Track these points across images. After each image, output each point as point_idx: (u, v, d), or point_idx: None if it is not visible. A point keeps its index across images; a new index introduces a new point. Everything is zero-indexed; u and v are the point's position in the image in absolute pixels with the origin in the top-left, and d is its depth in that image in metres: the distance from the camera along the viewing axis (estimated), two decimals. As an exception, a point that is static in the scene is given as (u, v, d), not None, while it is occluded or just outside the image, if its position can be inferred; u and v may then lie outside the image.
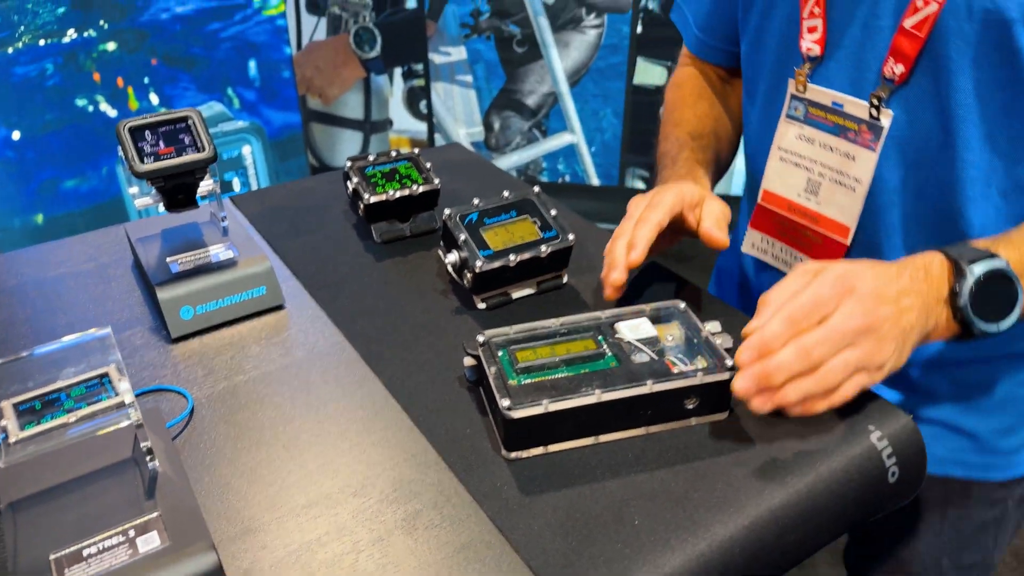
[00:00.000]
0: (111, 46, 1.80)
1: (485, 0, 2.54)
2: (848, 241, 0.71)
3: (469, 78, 2.74)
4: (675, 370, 0.55)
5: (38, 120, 1.76)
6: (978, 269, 0.56)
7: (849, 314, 0.52)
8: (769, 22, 0.75)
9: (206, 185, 0.69)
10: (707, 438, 0.54)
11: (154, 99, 1.90)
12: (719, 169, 0.85)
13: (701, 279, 0.80)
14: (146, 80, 1.86)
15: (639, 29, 2.48)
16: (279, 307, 0.69)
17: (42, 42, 1.72)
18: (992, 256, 0.56)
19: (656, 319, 0.59)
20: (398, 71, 2.74)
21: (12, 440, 0.48)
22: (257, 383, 0.60)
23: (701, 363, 0.55)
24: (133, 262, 0.75)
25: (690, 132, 0.84)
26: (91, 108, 1.81)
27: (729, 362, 0.54)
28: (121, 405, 0.48)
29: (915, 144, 0.66)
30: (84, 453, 0.49)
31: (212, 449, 0.54)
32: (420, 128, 2.83)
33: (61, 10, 1.72)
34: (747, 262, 0.86)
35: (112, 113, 1.84)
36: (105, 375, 0.52)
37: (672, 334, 0.58)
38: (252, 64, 2.02)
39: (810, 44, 0.71)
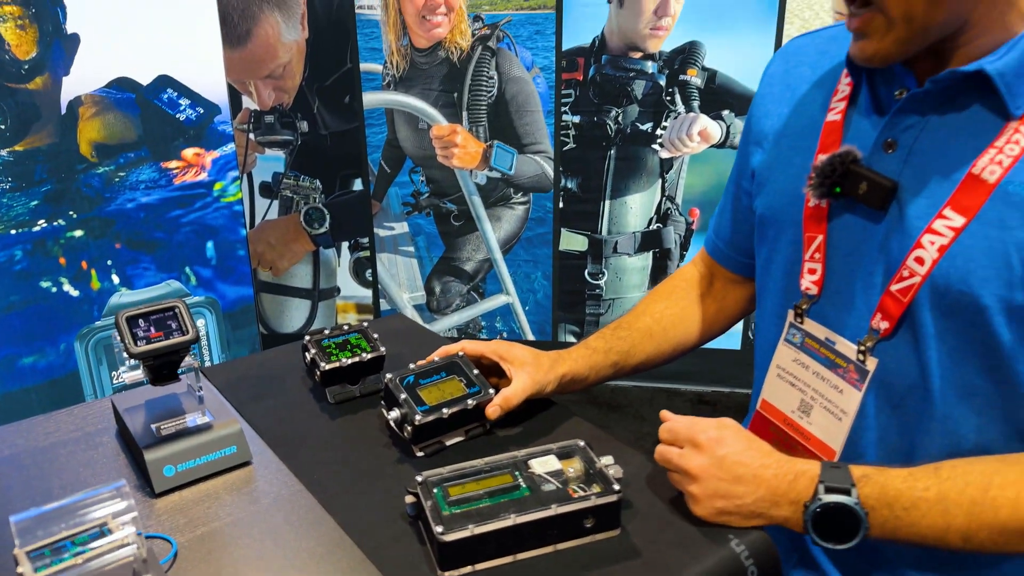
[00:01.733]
0: (78, 233, 1.96)
1: (424, 183, 2.82)
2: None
3: (411, 248, 2.97)
4: (575, 496, 0.68)
5: (2, 302, 1.87)
6: (825, 499, 0.67)
7: (684, 455, 0.73)
8: (777, 254, 0.85)
9: (186, 361, 0.82)
10: (602, 552, 0.67)
11: (115, 279, 2.04)
12: (636, 355, 0.96)
13: (631, 426, 0.93)
14: (109, 262, 2.01)
15: (561, 204, 2.78)
16: (247, 463, 0.81)
17: (13, 231, 1.87)
18: (847, 491, 0.66)
19: (561, 455, 0.74)
20: (345, 244, 2.95)
21: (29, 582, 0.58)
22: (231, 528, 0.71)
23: (596, 489, 0.69)
24: (117, 430, 0.86)
25: (621, 322, 0.99)
26: (54, 289, 1.94)
27: (617, 487, 0.68)
28: (123, 545, 0.59)
29: (898, 391, 0.74)
30: (90, 589, 0.59)
31: (194, 584, 0.64)
32: (365, 294, 3.01)
33: (34, 203, 1.88)
34: None
35: (74, 293, 1.97)
36: (104, 524, 0.63)
37: (574, 467, 0.72)
38: (209, 245, 2.20)
39: (809, 284, 0.80)
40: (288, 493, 0.76)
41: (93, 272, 1.99)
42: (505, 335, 2.99)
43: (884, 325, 0.73)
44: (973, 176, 0.66)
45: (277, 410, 0.91)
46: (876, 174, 0.71)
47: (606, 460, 0.73)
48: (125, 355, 0.78)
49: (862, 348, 0.75)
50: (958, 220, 0.66)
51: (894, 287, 0.71)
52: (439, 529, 0.64)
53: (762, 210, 0.86)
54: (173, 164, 2.09)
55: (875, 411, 0.76)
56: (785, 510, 0.69)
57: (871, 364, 0.74)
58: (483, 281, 2.97)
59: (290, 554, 0.68)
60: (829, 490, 0.67)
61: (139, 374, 0.81)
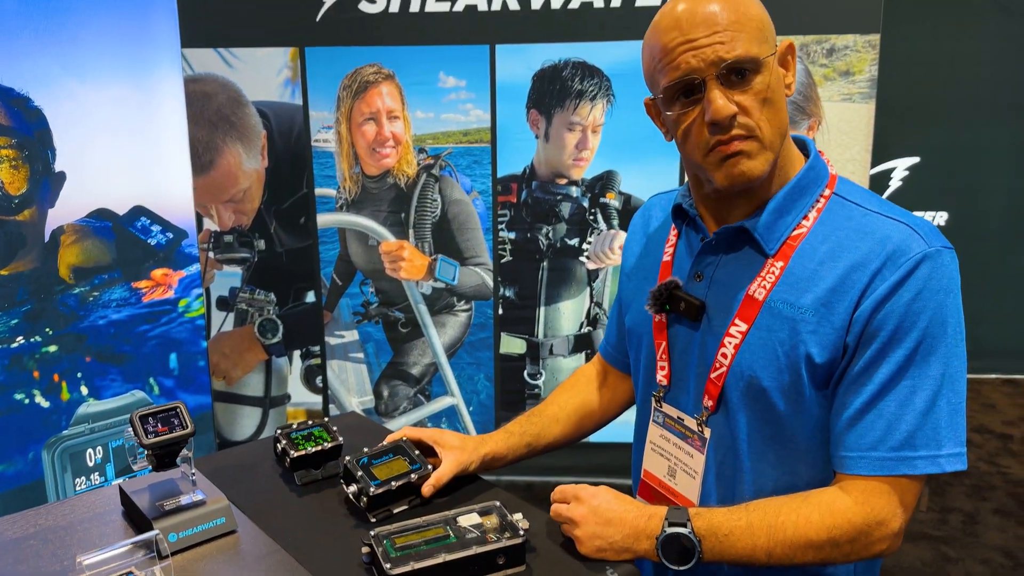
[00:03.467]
0: (52, 348, 2.13)
1: (373, 293, 3.08)
2: None
3: (361, 355, 3.18)
4: (491, 540, 0.91)
5: (-23, 414, 2.01)
6: (668, 531, 0.90)
7: (570, 508, 0.96)
8: (641, 356, 1.11)
9: (182, 454, 1.03)
10: (512, 581, 0.90)
11: (84, 390, 2.19)
12: (546, 437, 1.20)
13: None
14: (79, 375, 2.18)
15: (500, 311, 3.06)
16: (234, 531, 1.01)
17: (-8, 348, 2.04)
18: (685, 524, 0.89)
19: (482, 512, 0.96)
20: (297, 353, 3.15)
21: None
22: (223, 579, 0.91)
23: (507, 536, 0.92)
24: (123, 511, 1.05)
25: (534, 410, 1.24)
26: (27, 401, 2.09)
27: (522, 533, 0.91)
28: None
29: (722, 451, 1.00)
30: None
31: (198, 618, 0.83)
32: (316, 400, 3.18)
33: (14, 322, 2.06)
34: None
35: (45, 404, 2.12)
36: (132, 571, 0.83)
37: (491, 520, 0.95)
38: (173, 356, 2.39)
39: (661, 377, 1.06)
40: (267, 551, 0.96)
41: (64, 384, 2.15)
42: (450, 435, 3.17)
43: (710, 403, 0.99)
44: (749, 296, 0.95)
45: (254, 491, 1.11)
46: (690, 296, 1.00)
47: (517, 516, 0.96)
48: (137, 447, 0.99)
49: (699, 422, 1.01)
50: (743, 326, 0.95)
51: (712, 375, 0.98)
52: (388, 566, 0.85)
53: (628, 325, 1.14)
54: (143, 284, 2.31)
55: (713, 467, 1.01)
56: (645, 544, 0.92)
57: (707, 433, 1.00)
58: (429, 384, 3.17)
59: (271, 597, 0.88)
60: (672, 524, 0.91)
61: (145, 462, 1.01)
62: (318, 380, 3.17)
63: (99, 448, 2.21)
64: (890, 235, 0.90)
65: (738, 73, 0.89)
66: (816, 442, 0.95)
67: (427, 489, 1.06)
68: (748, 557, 0.90)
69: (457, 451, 1.10)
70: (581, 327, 3.06)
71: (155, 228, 2.31)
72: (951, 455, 0.89)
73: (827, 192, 0.97)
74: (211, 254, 2.98)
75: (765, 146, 0.92)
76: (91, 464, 2.19)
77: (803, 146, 1.01)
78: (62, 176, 2.11)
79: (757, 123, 0.91)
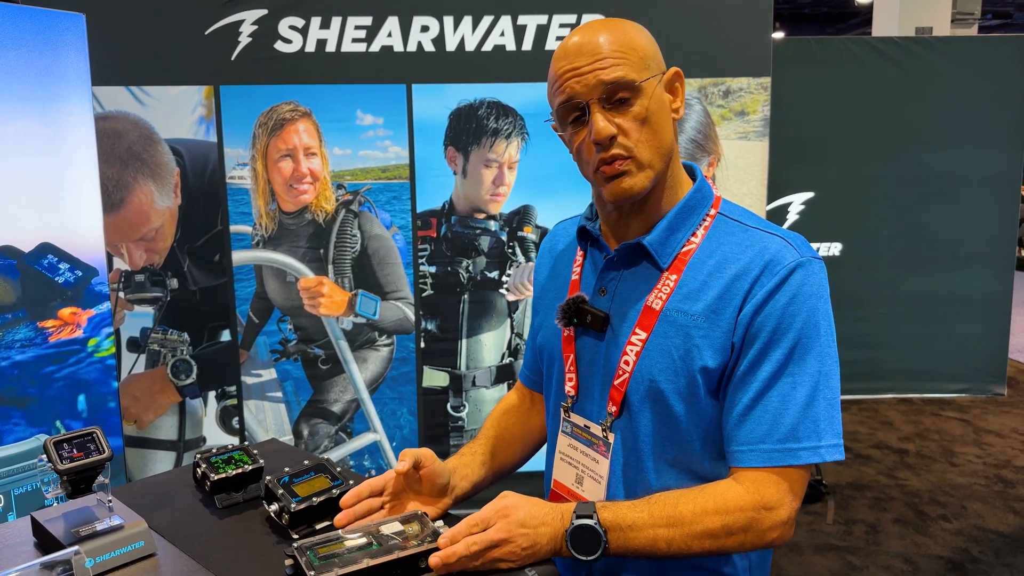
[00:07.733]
0: (-52, 392, 2.03)
1: (292, 330, 3.05)
2: None
3: (279, 394, 3.13)
4: (412, 545, 0.94)
5: None
6: (576, 523, 0.93)
7: (497, 528, 0.94)
8: (552, 371, 1.16)
9: (98, 481, 1.02)
10: (435, 584, 0.93)
11: (-16, 436, 2.09)
12: (497, 460, 1.22)
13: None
14: (-21, 420, 2.07)
15: (422, 344, 3.09)
16: (153, 554, 1.00)
17: None
18: (591, 515, 0.93)
19: (403, 521, 0.99)
20: (212, 394, 3.07)
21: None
22: (143, 600, 0.90)
23: (429, 540, 0.95)
24: (35, 542, 1.03)
25: (483, 432, 1.26)
26: (-81, 449, 1.97)
27: (441, 539, 0.95)
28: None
29: (625, 453, 1.05)
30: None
31: (118, 637, 0.83)
32: (232, 442, 3.10)
33: (-94, 365, 1.96)
34: None
35: (-60, 452, 2.00)
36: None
37: (413, 528, 0.98)
38: (81, 398, 2.30)
39: (569, 388, 1.11)
40: (189, 572, 0.96)
41: (-39, 430, 2.05)
42: (374, 472, 3.15)
43: (613, 409, 1.05)
44: (648, 307, 1.04)
45: (174, 515, 1.11)
46: (595, 309, 1.08)
47: (438, 523, 0.99)
48: (52, 473, 0.98)
49: (604, 427, 1.07)
50: (643, 335, 1.03)
51: (615, 382, 1.05)
52: (312, 573, 0.87)
53: (541, 342, 1.20)
54: (50, 323, 2.23)
55: (619, 470, 1.07)
56: (560, 541, 0.97)
57: (611, 438, 1.07)
58: (351, 421, 3.15)
59: (193, 614, 0.88)
60: (579, 516, 0.96)
61: (59, 490, 1.00)
62: (234, 421, 3.11)
63: (0, 496, 2.10)
64: (767, 246, 1.01)
65: (618, 99, 0.99)
66: (710, 442, 1.03)
67: (400, 463, 1.07)
68: (650, 547, 0.96)
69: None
70: (503, 358, 3.12)
71: (63, 266, 2.25)
72: (830, 446, 0.98)
73: (712, 212, 1.07)
74: (121, 294, 2.90)
75: (644, 165, 1.01)
76: (-10, 514, 2.08)
77: (692, 172, 1.11)
78: (-38, 213, 2.04)
79: (635, 144, 1.00)
